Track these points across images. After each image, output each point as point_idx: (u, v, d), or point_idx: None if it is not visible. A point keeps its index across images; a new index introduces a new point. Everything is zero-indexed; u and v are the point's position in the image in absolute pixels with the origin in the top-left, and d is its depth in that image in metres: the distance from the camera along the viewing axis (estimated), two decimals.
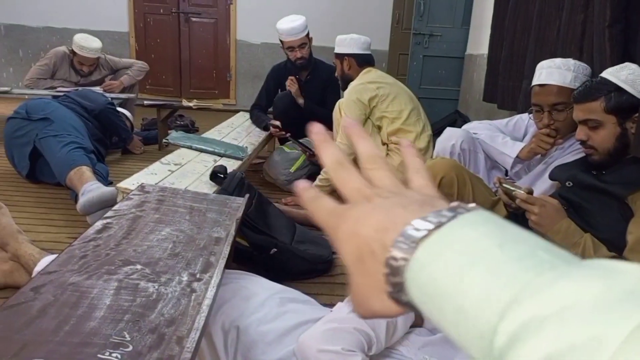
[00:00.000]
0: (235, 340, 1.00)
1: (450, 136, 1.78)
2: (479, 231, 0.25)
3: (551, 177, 1.45)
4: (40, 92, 3.27)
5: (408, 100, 2.25)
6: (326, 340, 0.81)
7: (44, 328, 0.73)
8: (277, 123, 2.90)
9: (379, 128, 2.26)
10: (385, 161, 0.35)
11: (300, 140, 2.76)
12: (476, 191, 1.42)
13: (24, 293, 0.81)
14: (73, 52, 3.44)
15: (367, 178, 0.34)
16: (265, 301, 1.10)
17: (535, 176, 1.64)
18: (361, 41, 2.43)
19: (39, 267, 1.28)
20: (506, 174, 1.83)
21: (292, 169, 2.68)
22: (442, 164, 1.43)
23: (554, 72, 1.49)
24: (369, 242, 0.29)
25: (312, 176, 2.63)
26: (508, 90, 2.67)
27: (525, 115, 1.84)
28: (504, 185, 1.33)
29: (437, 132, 2.37)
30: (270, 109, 3.25)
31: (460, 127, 1.98)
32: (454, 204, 0.28)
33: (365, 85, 2.22)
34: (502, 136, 1.75)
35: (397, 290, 0.27)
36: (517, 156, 1.65)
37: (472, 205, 0.28)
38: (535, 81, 1.55)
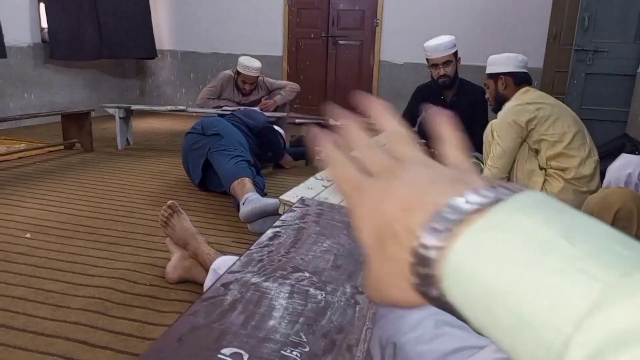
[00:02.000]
0: (392, 356, 1.02)
1: (627, 164, 1.60)
2: (536, 218, 0.20)
3: None
4: (209, 111, 3.71)
5: (572, 123, 2.08)
6: None
7: (235, 321, 0.82)
8: (423, 142, 2.89)
9: (536, 152, 2.13)
10: (412, 138, 0.31)
11: None
12: None
13: (217, 288, 0.92)
14: (237, 73, 3.85)
15: (393, 155, 0.30)
16: (420, 321, 1.10)
17: None
18: (518, 59, 2.32)
19: (214, 265, 1.45)
20: None
21: None
22: (619, 194, 1.30)
23: None
24: (391, 223, 0.25)
25: None
26: None
27: None
28: None
29: (600, 157, 2.15)
30: (415, 129, 3.26)
31: (629, 152, 1.78)
32: (494, 182, 0.23)
33: (523, 106, 2.11)
34: None
35: (425, 283, 0.23)
36: None
37: (516, 184, 0.23)
38: None
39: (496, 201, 0.21)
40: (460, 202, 0.22)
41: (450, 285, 0.21)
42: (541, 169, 2.11)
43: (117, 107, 3.81)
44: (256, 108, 3.76)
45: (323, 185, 1.93)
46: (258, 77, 3.88)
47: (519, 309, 0.19)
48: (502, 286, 0.19)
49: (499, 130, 2.14)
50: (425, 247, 0.22)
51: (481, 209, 0.21)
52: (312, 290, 0.97)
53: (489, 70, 2.40)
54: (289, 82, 4.35)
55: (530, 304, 0.18)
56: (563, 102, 2.42)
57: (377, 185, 0.28)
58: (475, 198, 0.22)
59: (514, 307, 0.19)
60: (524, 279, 0.19)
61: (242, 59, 3.82)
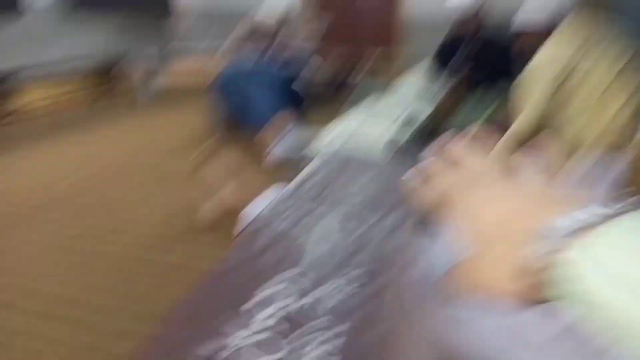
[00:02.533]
0: None
1: None
2: None
3: None
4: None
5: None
6: None
7: (266, 263, 0.88)
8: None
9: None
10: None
11: None
12: None
13: (247, 235, 0.98)
14: (257, 25, 3.75)
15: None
16: None
17: None
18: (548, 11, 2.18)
19: (246, 210, 1.50)
20: None
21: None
22: None
23: None
24: (505, 225, 0.27)
25: None
26: None
27: None
28: None
29: None
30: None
31: None
32: (603, 201, 0.25)
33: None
34: None
35: (537, 284, 0.25)
36: None
37: (622, 206, 0.25)
38: None
39: (606, 219, 0.24)
40: (573, 217, 0.25)
41: (557, 288, 0.24)
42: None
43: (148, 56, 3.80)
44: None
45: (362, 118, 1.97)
46: (279, 28, 3.79)
47: (623, 317, 0.21)
48: (608, 294, 0.22)
49: (529, 82, 2.05)
50: (538, 250, 0.25)
51: (592, 224, 0.24)
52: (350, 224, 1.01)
53: (518, 23, 2.26)
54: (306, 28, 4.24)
55: (635, 314, 0.21)
56: None
57: (488, 191, 0.30)
58: (586, 215, 0.25)
59: (618, 315, 0.21)
60: (628, 288, 0.21)
61: (262, 9, 3.73)
